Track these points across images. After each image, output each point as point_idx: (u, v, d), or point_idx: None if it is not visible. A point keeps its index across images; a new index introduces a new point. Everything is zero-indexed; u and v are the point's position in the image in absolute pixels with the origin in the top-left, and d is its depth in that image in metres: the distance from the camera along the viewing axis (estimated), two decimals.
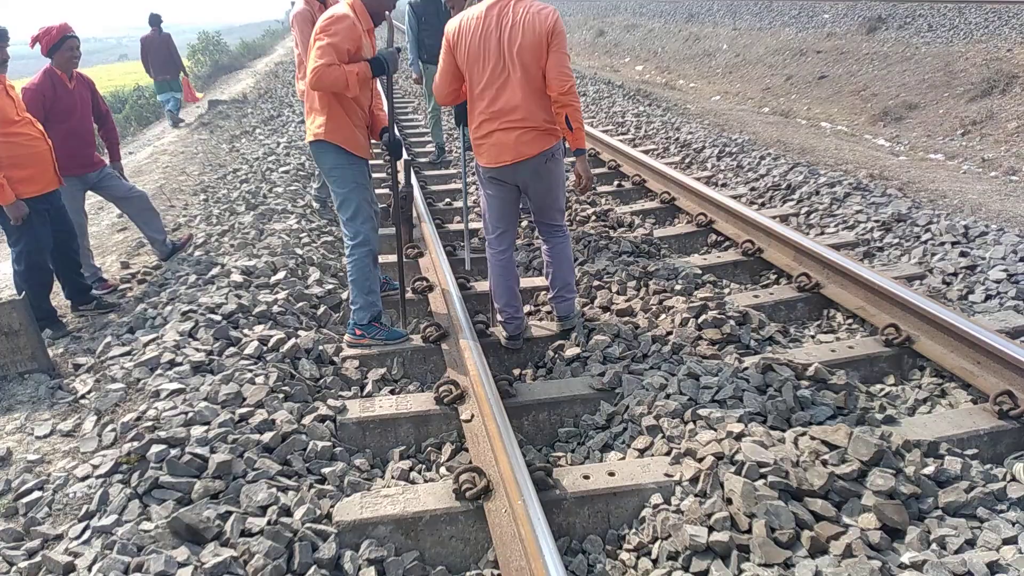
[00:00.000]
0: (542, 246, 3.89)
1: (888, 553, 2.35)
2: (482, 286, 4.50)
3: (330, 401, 3.31)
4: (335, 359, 3.76)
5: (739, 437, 2.80)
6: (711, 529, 2.45)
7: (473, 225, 5.09)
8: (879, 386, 3.52)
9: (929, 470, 2.64)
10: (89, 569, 2.26)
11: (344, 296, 4.42)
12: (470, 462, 2.92)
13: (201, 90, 20.46)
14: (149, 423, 2.94)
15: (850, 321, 4.12)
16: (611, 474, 2.77)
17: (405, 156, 4.07)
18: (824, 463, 2.63)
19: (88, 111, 4.85)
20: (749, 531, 2.41)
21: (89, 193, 5.06)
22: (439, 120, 8.01)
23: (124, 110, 16.62)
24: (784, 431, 2.89)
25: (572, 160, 3.73)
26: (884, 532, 2.39)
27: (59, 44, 4.51)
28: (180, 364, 3.43)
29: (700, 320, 3.82)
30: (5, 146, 3.96)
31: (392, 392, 3.57)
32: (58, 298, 4.55)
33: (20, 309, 3.65)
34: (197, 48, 26.25)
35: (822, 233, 5.23)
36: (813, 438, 2.76)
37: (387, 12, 3.78)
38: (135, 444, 2.77)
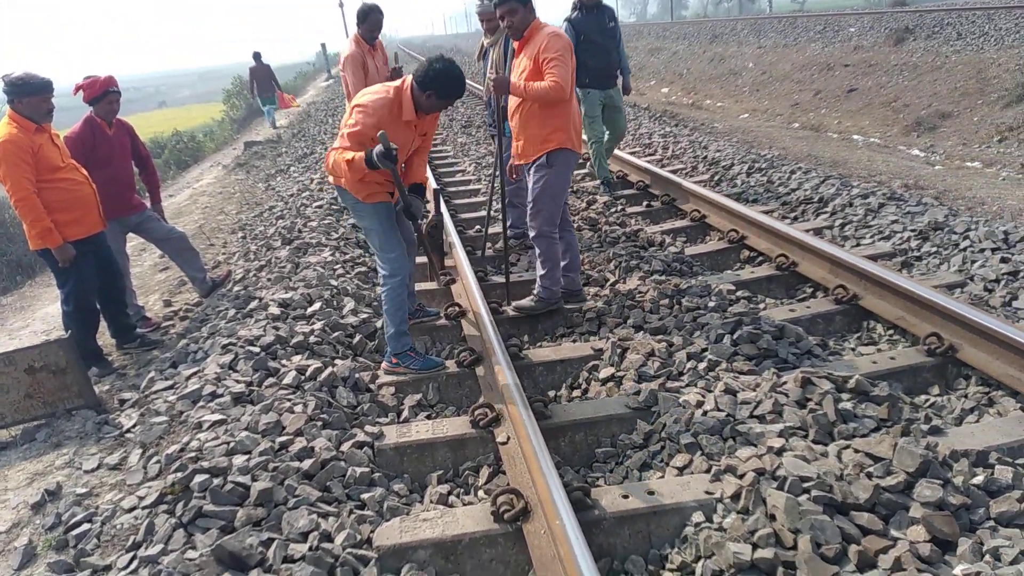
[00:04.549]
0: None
1: (940, 566, 2.28)
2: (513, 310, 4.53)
3: (368, 427, 3.34)
4: (371, 386, 3.80)
5: (780, 452, 2.76)
6: (755, 546, 2.40)
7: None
8: (923, 397, 3.44)
9: (979, 480, 2.57)
10: None
11: (379, 325, 4.47)
12: (507, 484, 2.91)
13: (237, 132, 21.05)
14: (192, 454, 3.00)
15: (890, 332, 4.04)
16: (650, 493, 2.74)
17: (431, 197, 4.15)
18: (869, 476, 2.57)
19: (128, 156, 5.01)
20: (794, 547, 2.36)
21: (132, 235, 5.22)
22: (602, 153, 7.05)
23: (163, 155, 17.15)
24: (826, 445, 2.83)
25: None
26: (934, 544, 2.32)
27: (100, 97, 4.69)
28: (221, 396, 3.50)
29: (735, 336, 3.78)
30: (52, 191, 4.11)
31: (428, 417, 3.59)
32: (104, 337, 4.68)
33: (67, 348, 3.77)
34: (231, 92, 26.86)
35: (857, 245, 5.16)
36: (856, 451, 2.71)
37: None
38: (179, 475, 2.83)
